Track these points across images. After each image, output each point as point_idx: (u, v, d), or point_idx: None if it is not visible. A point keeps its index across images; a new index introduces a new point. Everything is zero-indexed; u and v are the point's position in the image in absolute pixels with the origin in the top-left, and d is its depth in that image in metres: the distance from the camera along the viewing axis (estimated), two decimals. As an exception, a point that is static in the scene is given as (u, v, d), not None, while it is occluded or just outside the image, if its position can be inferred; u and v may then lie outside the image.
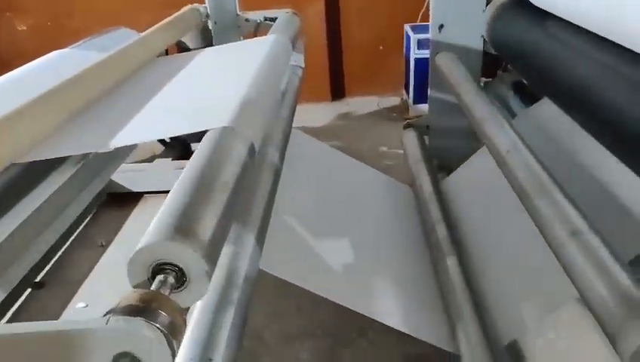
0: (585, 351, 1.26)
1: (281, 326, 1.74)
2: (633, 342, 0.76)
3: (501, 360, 1.20)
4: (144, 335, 0.55)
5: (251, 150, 0.99)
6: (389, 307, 1.42)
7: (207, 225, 0.70)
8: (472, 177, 1.83)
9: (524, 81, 2.18)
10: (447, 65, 2.12)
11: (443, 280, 1.43)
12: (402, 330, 1.32)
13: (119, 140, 1.03)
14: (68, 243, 2.26)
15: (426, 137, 2.41)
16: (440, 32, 2.26)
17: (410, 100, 3.47)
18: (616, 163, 1.31)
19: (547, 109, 1.72)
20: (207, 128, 0.98)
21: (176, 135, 2.01)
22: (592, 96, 1.45)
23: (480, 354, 1.20)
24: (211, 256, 0.67)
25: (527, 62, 1.96)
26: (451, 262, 1.46)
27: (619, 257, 0.91)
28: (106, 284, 1.92)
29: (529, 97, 2.03)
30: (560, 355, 1.33)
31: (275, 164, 1.42)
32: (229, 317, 0.87)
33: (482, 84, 2.30)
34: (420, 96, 3.32)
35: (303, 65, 2.40)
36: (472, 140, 2.25)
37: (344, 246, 1.56)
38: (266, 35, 1.81)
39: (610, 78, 1.41)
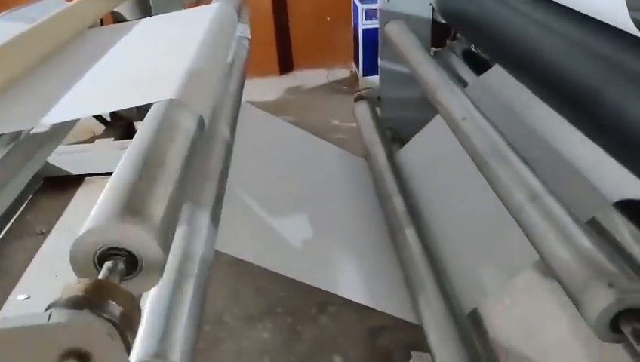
0: (541, 316, 1.29)
1: (241, 308, 1.69)
2: (599, 305, 0.77)
3: (463, 329, 1.21)
4: (93, 329, 0.49)
5: (200, 123, 0.92)
6: (349, 281, 1.40)
7: (158, 205, 0.63)
8: (428, 146, 1.82)
9: (474, 49, 2.19)
10: (398, 34, 2.10)
11: (402, 251, 1.42)
12: (363, 303, 1.31)
13: (53, 117, 0.93)
14: (3, 232, 2.11)
15: (378, 109, 2.39)
16: (388, 1, 2.22)
17: (360, 72, 3.44)
18: (569, 127, 1.32)
19: (499, 76, 1.72)
20: (151, 101, 0.90)
21: (118, 109, 1.88)
22: (543, 62, 1.46)
23: (442, 324, 1.20)
24: (164, 237, 0.61)
25: (477, 30, 1.96)
26: (410, 233, 1.45)
27: (578, 220, 0.91)
28: (49, 274, 1.80)
29: (479, 65, 2.04)
30: (517, 321, 1.35)
31: (226, 138, 1.35)
32: (187, 303, 0.81)
33: (432, 54, 2.29)
34: (370, 68, 3.29)
35: (249, 37, 2.31)
36: (424, 110, 2.24)
37: (300, 221, 1.52)
38: (209, 3, 1.71)
39: (559, 42, 1.41)
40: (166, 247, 0.61)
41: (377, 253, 1.52)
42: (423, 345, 1.27)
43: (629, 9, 0.96)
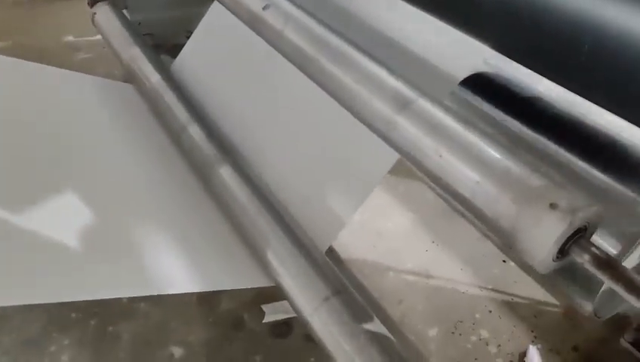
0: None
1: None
2: (545, 237, 0.56)
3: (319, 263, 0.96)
4: None
5: None
6: (171, 271, 1.01)
7: None
8: (213, 49, 1.40)
9: None
10: None
11: (225, 204, 1.07)
12: (203, 290, 0.96)
13: None
14: None
15: (125, 11, 1.84)
16: None
17: (84, -32, 2.68)
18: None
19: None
20: None
21: None
22: None
23: (302, 279, 0.94)
24: None
25: None
26: (226, 173, 1.09)
27: (468, 121, 0.69)
28: None
29: None
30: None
31: None
32: None
33: None
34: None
35: None
36: (191, 3, 1.81)
37: (76, 209, 1.04)
38: None
39: None
40: None
41: (195, 218, 1.13)
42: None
43: None
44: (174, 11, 1.92)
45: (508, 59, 0.91)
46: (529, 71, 0.90)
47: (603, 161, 0.78)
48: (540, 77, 0.87)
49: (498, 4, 0.85)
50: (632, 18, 0.70)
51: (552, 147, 0.88)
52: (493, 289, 1.29)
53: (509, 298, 1.27)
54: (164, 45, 1.93)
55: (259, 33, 0.97)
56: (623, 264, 0.71)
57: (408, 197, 1.55)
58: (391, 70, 0.78)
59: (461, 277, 1.33)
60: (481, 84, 0.97)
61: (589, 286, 0.70)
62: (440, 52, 0.96)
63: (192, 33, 1.95)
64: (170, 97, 1.34)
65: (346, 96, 0.80)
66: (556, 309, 1.25)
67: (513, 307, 1.26)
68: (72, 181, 1.12)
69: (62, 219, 1.00)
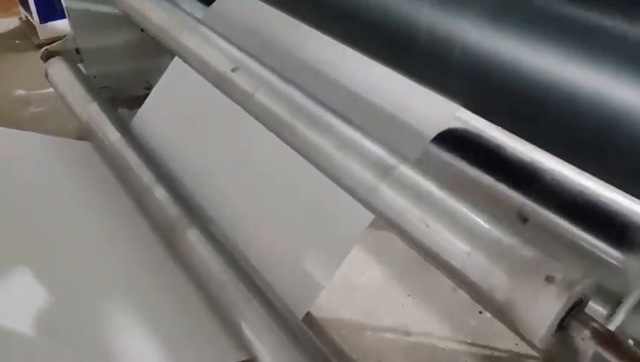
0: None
1: None
2: (544, 311, 0.54)
3: (303, 344, 0.91)
4: None
5: None
6: (139, 356, 0.93)
7: None
8: (177, 105, 1.36)
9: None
10: (81, -40, 1.51)
11: (193, 269, 1.01)
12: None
13: None
14: None
15: (80, 65, 1.78)
16: None
17: (36, 18, 2.61)
18: (343, 48, 1.07)
19: (236, 1, 1.36)
20: None
21: None
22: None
23: (280, 352, 0.88)
24: None
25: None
26: (194, 237, 1.04)
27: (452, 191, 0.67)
28: None
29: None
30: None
31: None
32: None
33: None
34: (48, 12, 2.53)
35: None
36: (147, 54, 1.78)
37: (29, 287, 0.95)
38: None
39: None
40: None
41: (161, 289, 1.06)
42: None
43: None
44: (131, 63, 1.88)
45: (479, 116, 0.92)
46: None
47: (584, 219, 0.78)
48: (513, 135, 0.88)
49: (467, 65, 0.86)
50: (600, 80, 0.71)
51: (530, 205, 0.88)
52: (472, 344, 1.27)
53: (488, 352, 1.25)
54: (121, 98, 1.87)
55: (227, 94, 0.94)
56: (615, 329, 0.70)
57: (379, 248, 1.52)
58: (369, 134, 0.77)
59: (439, 331, 1.30)
60: (455, 140, 0.97)
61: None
62: (412, 109, 0.96)
63: (150, 85, 1.91)
64: (131, 156, 1.28)
65: (323, 161, 0.78)
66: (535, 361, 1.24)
67: (493, 361, 1.24)
68: (24, 253, 1.03)
69: (13, 299, 0.91)
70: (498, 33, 0.79)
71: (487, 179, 0.94)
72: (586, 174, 0.77)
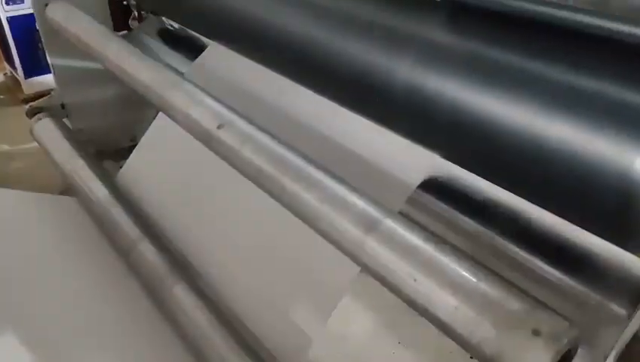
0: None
1: None
2: (533, 364, 0.55)
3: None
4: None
5: None
6: None
7: None
8: (162, 159, 1.37)
9: (173, 27, 1.79)
10: (67, 19, 1.54)
11: (182, 325, 1.00)
12: None
13: None
14: None
15: (66, 120, 1.80)
16: (38, -25, 1.64)
17: (20, 74, 2.64)
18: (327, 102, 1.10)
19: (221, 56, 1.39)
20: None
21: None
22: (269, 30, 1.20)
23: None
24: None
25: (175, 3, 1.58)
26: (183, 293, 1.03)
27: (442, 241, 0.68)
28: None
29: (187, 45, 1.67)
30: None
31: None
32: None
33: (120, 39, 1.81)
34: (33, 67, 2.55)
35: None
36: (133, 107, 1.81)
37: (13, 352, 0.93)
38: None
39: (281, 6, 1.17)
40: None
41: (150, 350, 1.04)
42: None
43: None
44: (117, 116, 1.90)
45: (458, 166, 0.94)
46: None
47: (568, 264, 0.80)
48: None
49: (445, 116, 0.89)
50: (573, 133, 0.74)
51: (513, 249, 0.90)
52: (465, 391, 1.25)
53: (482, 398, 1.23)
54: (107, 151, 1.89)
55: (213, 150, 0.96)
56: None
57: (365, 293, 1.51)
58: (354, 188, 0.78)
59: (431, 379, 1.28)
60: (437, 189, 1.00)
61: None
62: (394, 159, 0.98)
63: (135, 137, 1.92)
64: (117, 211, 1.28)
65: (309, 216, 0.79)
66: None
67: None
68: (6, 315, 1.02)
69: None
70: (470, 87, 0.83)
71: (471, 225, 0.96)
72: (563, 221, 0.79)
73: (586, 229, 0.75)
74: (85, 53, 1.46)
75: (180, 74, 1.37)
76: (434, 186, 0.97)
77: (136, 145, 1.58)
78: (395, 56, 0.92)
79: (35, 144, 1.73)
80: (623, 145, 0.67)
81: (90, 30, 1.44)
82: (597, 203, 0.71)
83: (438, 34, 0.90)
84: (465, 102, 0.83)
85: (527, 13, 0.77)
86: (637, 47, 0.68)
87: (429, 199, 0.98)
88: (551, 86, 0.75)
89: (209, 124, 0.95)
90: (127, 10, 1.92)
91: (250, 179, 0.91)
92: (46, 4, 1.58)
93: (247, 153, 0.88)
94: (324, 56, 1.07)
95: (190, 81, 1.18)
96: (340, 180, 0.80)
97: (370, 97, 0.97)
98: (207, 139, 0.98)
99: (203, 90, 1.11)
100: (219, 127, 0.93)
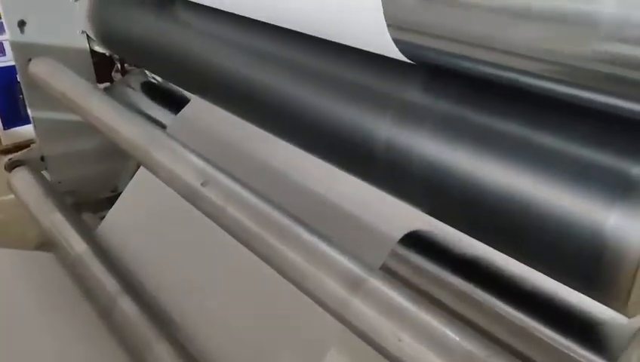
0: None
1: None
2: None
3: None
4: None
5: None
6: None
7: None
8: (143, 212, 1.36)
9: (154, 80, 1.82)
10: (50, 74, 1.56)
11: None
12: None
13: None
14: None
15: (45, 173, 1.79)
16: (22, 31, 1.67)
17: (-1, 125, 2.62)
18: (310, 157, 1.12)
19: (203, 109, 1.42)
20: None
21: None
22: (250, 85, 1.23)
23: None
24: None
25: (153, 56, 1.60)
26: (165, 353, 1.01)
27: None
28: None
29: (167, 99, 1.69)
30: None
31: None
32: None
33: (102, 92, 1.83)
34: (12, 118, 2.54)
35: None
36: (112, 159, 1.82)
37: None
38: None
39: (264, 60, 1.21)
40: None
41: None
42: None
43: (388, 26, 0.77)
44: (98, 167, 1.90)
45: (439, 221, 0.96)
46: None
47: (554, 321, 0.81)
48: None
49: (425, 174, 0.91)
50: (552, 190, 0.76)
51: (496, 303, 0.91)
52: None
53: None
54: (86, 202, 1.87)
55: (197, 207, 0.96)
56: None
57: (349, 351, 1.50)
58: (339, 246, 0.79)
59: None
60: (419, 243, 1.01)
61: None
62: (376, 214, 1.00)
63: (116, 187, 1.91)
64: (97, 267, 1.26)
65: (294, 274, 0.79)
66: None
67: None
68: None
69: None
70: (448, 145, 0.86)
71: (454, 280, 0.97)
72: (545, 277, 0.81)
73: (569, 286, 0.77)
74: (67, 107, 1.47)
75: (163, 127, 1.38)
76: (415, 240, 0.99)
77: (117, 195, 1.57)
78: (375, 115, 0.95)
79: (12, 196, 1.71)
80: (595, 204, 0.70)
81: (73, 86, 1.45)
82: (574, 259, 0.72)
83: (415, 94, 0.93)
84: (442, 160, 0.85)
85: (501, 80, 0.81)
86: (609, 111, 0.71)
87: (410, 253, 0.99)
88: (525, 146, 0.77)
89: (192, 180, 0.95)
90: (110, 62, 1.95)
91: (234, 237, 0.92)
92: (29, 59, 1.60)
93: (231, 210, 0.89)
94: (306, 112, 1.09)
95: (173, 137, 1.20)
96: (325, 238, 0.81)
97: (351, 153, 0.99)
98: (190, 195, 0.99)
99: (186, 146, 1.12)
100: (203, 184, 0.94)
